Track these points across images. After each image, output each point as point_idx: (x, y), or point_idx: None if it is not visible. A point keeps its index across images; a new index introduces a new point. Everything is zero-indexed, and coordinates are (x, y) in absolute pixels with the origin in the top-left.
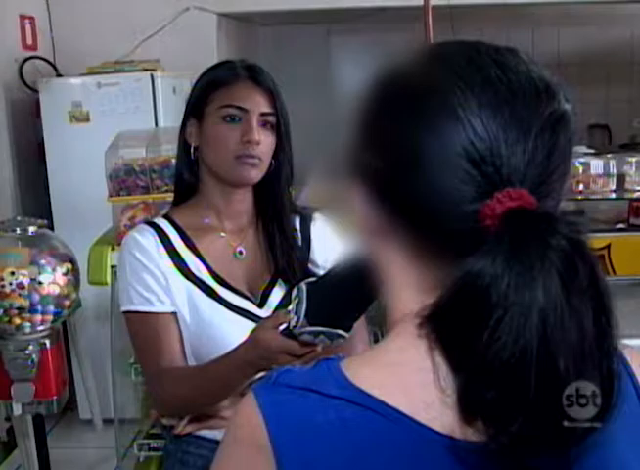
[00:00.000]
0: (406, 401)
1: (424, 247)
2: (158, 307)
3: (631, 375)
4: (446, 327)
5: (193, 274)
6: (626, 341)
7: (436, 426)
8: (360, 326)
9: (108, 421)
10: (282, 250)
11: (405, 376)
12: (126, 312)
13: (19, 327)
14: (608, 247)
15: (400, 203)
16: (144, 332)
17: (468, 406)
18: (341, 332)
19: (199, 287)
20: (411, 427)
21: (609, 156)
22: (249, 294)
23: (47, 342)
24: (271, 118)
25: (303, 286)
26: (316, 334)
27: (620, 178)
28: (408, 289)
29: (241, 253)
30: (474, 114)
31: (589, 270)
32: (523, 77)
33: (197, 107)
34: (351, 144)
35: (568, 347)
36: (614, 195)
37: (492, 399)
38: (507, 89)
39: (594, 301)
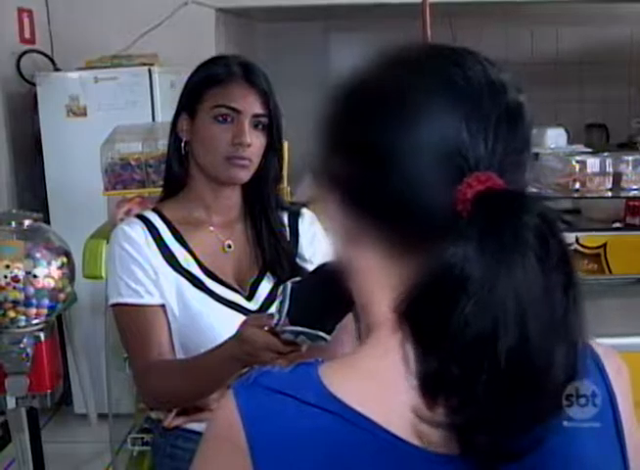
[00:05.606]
0: (381, 411)
1: (399, 245)
2: (146, 300)
3: (603, 375)
4: (418, 312)
5: (181, 267)
6: (622, 339)
7: (410, 437)
8: (347, 327)
9: (102, 416)
10: (269, 244)
11: (383, 385)
12: (115, 305)
13: (13, 320)
14: (604, 246)
15: (372, 203)
16: (132, 324)
17: (432, 385)
18: (321, 334)
19: (187, 279)
20: (384, 437)
21: (605, 154)
22: (237, 287)
23: (42, 335)
24: (263, 120)
25: (289, 285)
26: (296, 334)
27: (617, 177)
28: (384, 290)
29: (229, 246)
30: (438, 111)
31: (559, 245)
32: (480, 75)
33: (189, 103)
34: (320, 152)
35: (540, 321)
36: (610, 194)
37: (461, 375)
38: (467, 86)
39: (564, 275)
